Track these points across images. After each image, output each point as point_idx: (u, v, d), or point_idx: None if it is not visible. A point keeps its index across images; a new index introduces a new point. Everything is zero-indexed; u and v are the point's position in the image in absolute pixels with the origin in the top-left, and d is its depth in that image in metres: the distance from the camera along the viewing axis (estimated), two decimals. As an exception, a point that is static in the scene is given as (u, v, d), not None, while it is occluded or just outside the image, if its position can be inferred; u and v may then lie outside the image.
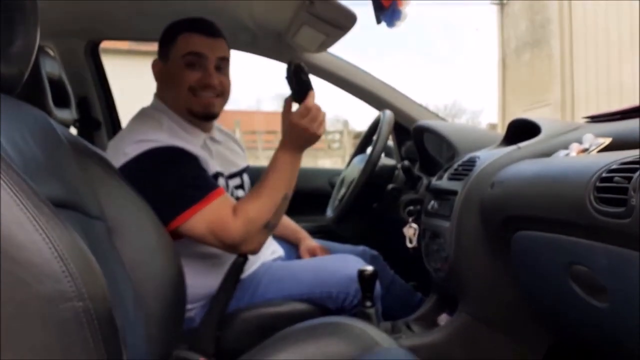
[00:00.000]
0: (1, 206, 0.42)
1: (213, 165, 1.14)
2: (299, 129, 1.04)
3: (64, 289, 0.42)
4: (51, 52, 1.60)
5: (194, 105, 1.13)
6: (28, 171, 0.55)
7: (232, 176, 1.25)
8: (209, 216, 1.01)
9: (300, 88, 1.05)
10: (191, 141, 1.11)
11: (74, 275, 0.43)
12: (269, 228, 1.06)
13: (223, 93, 1.16)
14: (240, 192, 1.26)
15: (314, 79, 1.10)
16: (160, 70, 1.17)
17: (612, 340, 0.80)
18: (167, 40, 1.15)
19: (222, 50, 1.14)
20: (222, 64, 1.15)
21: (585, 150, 0.97)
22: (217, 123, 1.28)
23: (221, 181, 1.15)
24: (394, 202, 1.49)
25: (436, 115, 1.78)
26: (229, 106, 1.18)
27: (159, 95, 1.18)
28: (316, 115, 1.04)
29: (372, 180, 1.41)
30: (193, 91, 1.11)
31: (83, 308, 0.43)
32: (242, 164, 1.32)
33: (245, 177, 1.32)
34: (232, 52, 1.22)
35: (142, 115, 1.15)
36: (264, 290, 1.16)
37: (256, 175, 1.38)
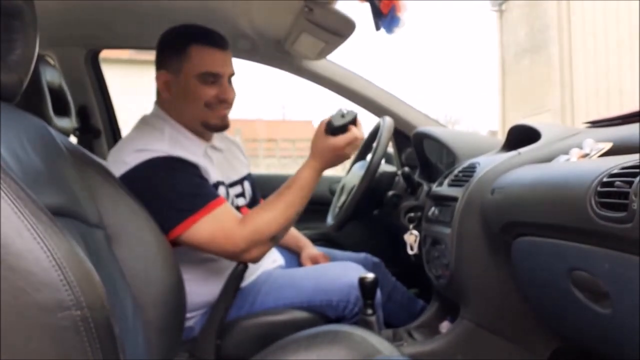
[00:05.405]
0: None
1: (214, 174, 1.14)
2: (340, 153, 1.08)
3: (62, 297, 0.42)
4: (51, 61, 1.61)
5: (211, 119, 1.14)
6: (27, 179, 0.55)
7: (233, 184, 1.24)
8: (211, 225, 1.01)
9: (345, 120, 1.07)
10: (193, 150, 1.11)
11: (72, 283, 0.43)
12: (275, 241, 1.07)
13: (232, 105, 1.18)
14: (240, 201, 1.26)
15: (312, 87, 1.12)
16: (168, 83, 1.13)
17: (616, 346, 0.80)
18: (176, 51, 1.12)
19: (232, 66, 1.16)
20: (231, 77, 1.17)
21: (585, 156, 0.97)
22: None
23: (222, 190, 1.15)
24: (394, 209, 1.49)
25: (436, 122, 1.78)
26: (230, 115, 1.20)
27: (163, 105, 1.16)
28: (358, 142, 1.08)
29: (373, 187, 1.41)
30: (209, 106, 1.13)
31: (81, 317, 0.43)
32: (243, 171, 1.32)
33: (247, 184, 1.31)
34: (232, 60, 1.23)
35: (143, 124, 1.15)
36: (264, 298, 1.16)
37: (257, 183, 1.38)
